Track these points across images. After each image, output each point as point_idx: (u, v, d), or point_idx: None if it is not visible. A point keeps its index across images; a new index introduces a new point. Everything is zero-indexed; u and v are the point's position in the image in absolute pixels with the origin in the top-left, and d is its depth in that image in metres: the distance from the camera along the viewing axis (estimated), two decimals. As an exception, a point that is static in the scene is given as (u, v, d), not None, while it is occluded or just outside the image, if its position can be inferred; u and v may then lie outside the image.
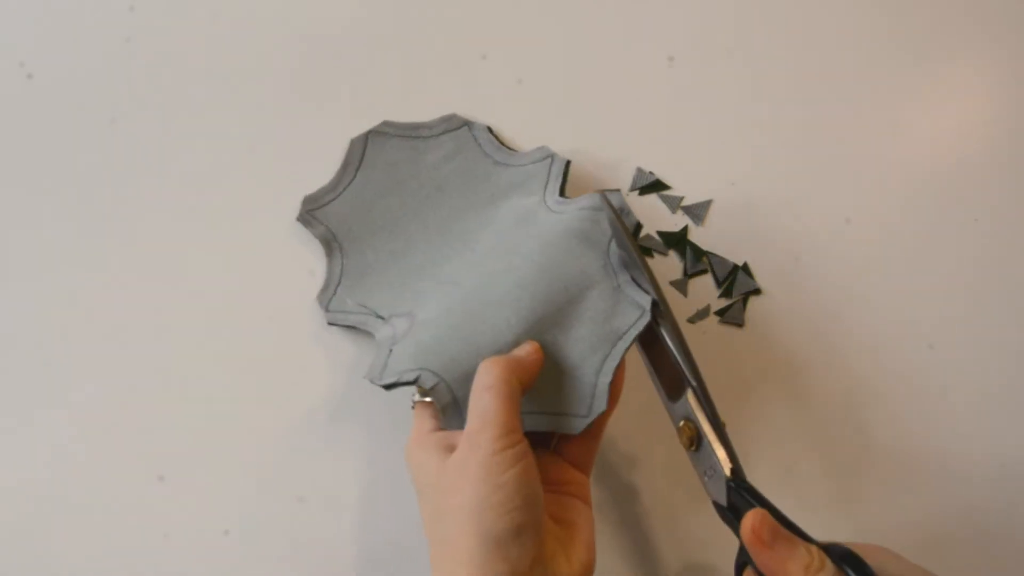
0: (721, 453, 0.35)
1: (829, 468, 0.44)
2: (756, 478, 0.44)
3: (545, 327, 0.37)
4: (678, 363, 0.36)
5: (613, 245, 0.39)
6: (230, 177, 0.46)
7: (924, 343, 0.45)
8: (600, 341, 0.37)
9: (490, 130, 0.45)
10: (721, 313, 0.45)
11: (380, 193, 0.45)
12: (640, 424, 0.44)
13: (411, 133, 0.45)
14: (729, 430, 0.44)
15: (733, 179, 0.46)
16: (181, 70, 0.46)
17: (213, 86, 0.46)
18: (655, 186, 0.46)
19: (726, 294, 0.45)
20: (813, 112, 0.47)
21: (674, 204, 0.46)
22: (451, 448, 0.34)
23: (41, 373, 0.44)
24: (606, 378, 0.36)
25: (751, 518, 0.32)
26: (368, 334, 0.42)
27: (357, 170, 0.45)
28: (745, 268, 0.45)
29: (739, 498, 0.34)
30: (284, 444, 0.43)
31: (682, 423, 0.36)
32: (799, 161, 0.46)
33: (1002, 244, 0.46)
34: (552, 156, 0.44)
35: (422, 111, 0.46)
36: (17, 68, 0.46)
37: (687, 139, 0.46)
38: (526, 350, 0.36)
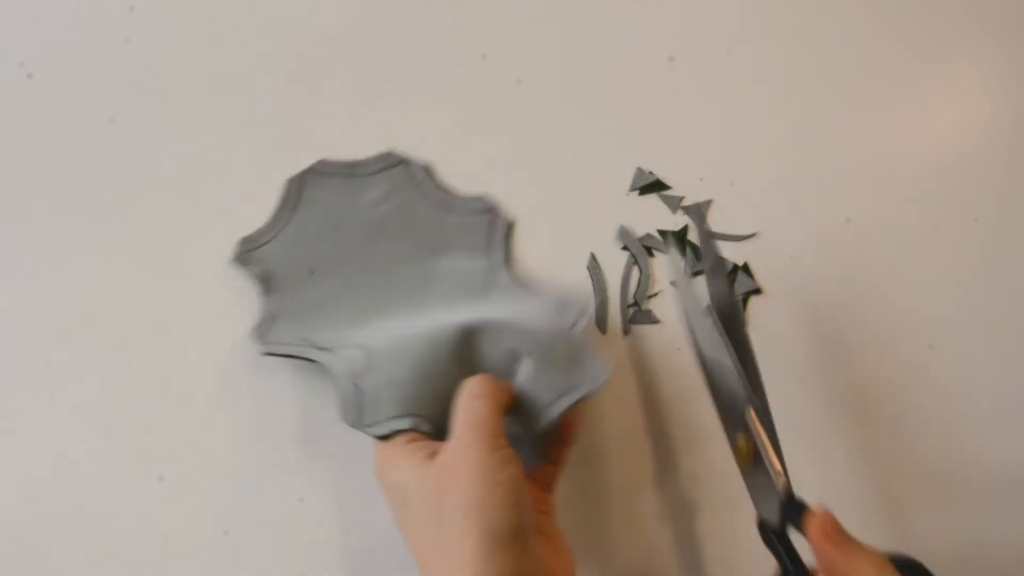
0: (779, 470, 0.34)
1: (828, 467, 0.44)
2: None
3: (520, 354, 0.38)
4: (743, 377, 0.36)
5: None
6: (229, 176, 0.46)
7: (924, 343, 0.45)
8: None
9: (427, 170, 0.45)
10: (721, 313, 0.45)
11: (318, 233, 0.44)
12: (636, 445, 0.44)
13: (348, 172, 0.45)
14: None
15: (733, 179, 0.46)
16: (180, 70, 0.46)
17: (212, 86, 0.46)
18: (655, 186, 0.46)
19: (726, 294, 0.45)
20: (813, 112, 0.47)
21: (674, 204, 0.46)
22: (432, 455, 0.34)
23: (42, 374, 0.44)
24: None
25: (819, 517, 0.32)
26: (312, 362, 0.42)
27: (294, 210, 0.44)
28: (745, 268, 0.45)
29: (792, 516, 0.34)
30: (284, 444, 0.43)
31: (740, 438, 0.36)
32: (799, 161, 0.46)
33: (1002, 244, 0.46)
34: (493, 211, 0.44)
35: (421, 111, 0.46)
36: (17, 68, 0.46)
37: (687, 139, 0.46)
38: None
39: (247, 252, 0.44)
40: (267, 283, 0.44)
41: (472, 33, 0.47)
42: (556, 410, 0.37)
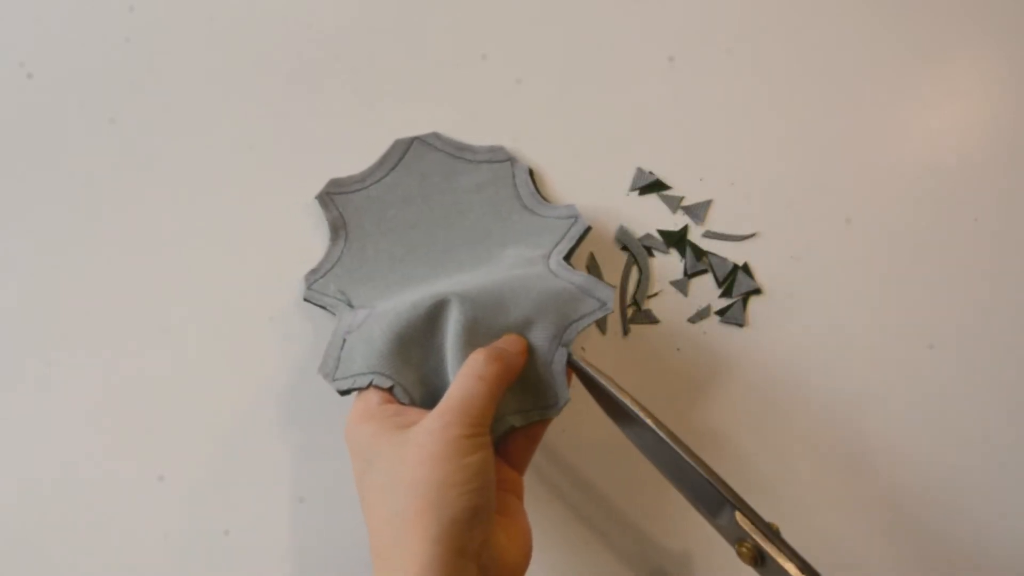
0: (791, 567, 0.33)
1: (827, 467, 0.44)
2: (753, 478, 0.44)
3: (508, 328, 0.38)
4: (715, 488, 0.35)
5: (574, 277, 0.40)
6: (229, 177, 0.46)
7: (924, 343, 0.45)
8: (556, 332, 0.38)
9: (531, 173, 0.45)
10: (722, 313, 0.45)
11: (404, 199, 0.45)
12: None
13: (455, 152, 0.45)
14: (728, 430, 0.44)
15: (733, 179, 0.46)
16: (181, 70, 0.46)
17: (212, 86, 0.46)
18: (655, 186, 0.46)
19: (726, 294, 0.45)
20: (813, 112, 0.47)
21: (674, 204, 0.46)
22: (405, 424, 0.34)
23: (42, 374, 0.44)
24: (559, 365, 0.37)
25: None
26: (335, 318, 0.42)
27: (391, 170, 0.45)
28: (745, 268, 0.45)
29: None
30: (285, 444, 0.43)
31: (740, 545, 0.35)
32: (799, 161, 0.46)
33: (1002, 244, 0.46)
34: (576, 217, 0.43)
35: (421, 111, 0.46)
36: (17, 68, 0.46)
37: (687, 139, 0.46)
38: (517, 348, 0.37)
39: (330, 194, 0.45)
40: (337, 230, 0.44)
41: (472, 33, 0.47)
42: (574, 333, 0.37)
